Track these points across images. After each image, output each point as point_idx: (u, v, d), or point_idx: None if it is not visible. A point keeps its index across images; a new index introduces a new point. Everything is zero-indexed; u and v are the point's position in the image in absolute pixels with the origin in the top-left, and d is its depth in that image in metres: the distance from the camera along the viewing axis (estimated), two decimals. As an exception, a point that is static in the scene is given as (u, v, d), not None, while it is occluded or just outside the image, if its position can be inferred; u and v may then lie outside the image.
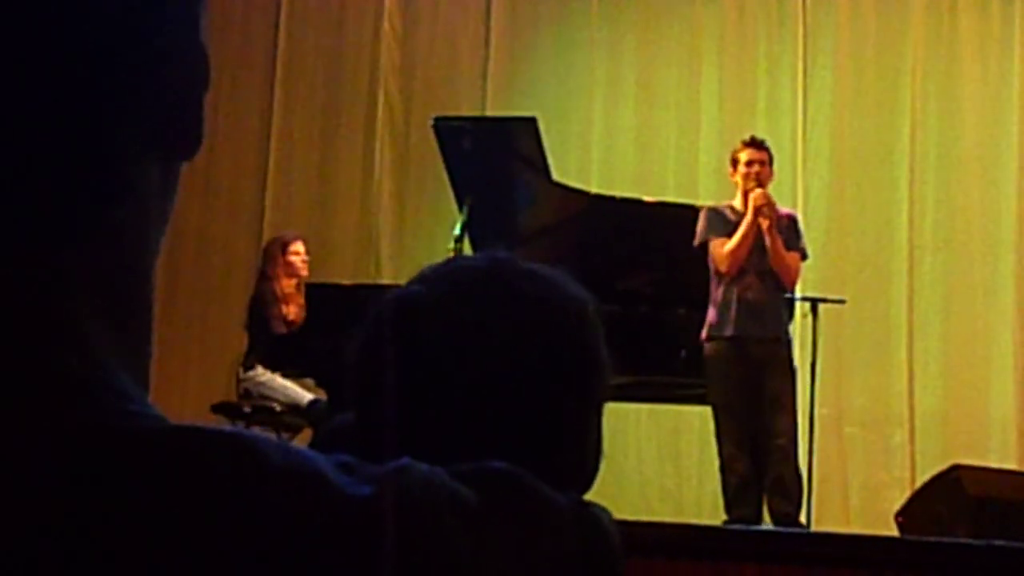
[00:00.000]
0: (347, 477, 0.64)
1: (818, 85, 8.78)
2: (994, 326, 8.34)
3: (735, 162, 6.34)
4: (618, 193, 7.13)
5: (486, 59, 9.14)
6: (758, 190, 6.18)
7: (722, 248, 6.13)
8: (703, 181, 8.67)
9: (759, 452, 6.05)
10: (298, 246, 7.21)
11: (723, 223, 6.22)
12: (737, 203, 6.30)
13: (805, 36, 8.80)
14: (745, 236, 6.10)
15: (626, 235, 6.65)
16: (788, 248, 6.19)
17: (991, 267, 8.42)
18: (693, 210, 6.86)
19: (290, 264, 7.10)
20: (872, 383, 8.35)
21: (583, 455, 1.25)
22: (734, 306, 6.08)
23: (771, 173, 6.37)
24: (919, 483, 6.55)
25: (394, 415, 1.14)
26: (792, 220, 6.35)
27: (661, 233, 6.64)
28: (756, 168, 6.25)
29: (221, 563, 0.59)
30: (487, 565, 0.65)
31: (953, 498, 5.36)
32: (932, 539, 5.06)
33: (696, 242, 6.22)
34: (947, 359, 8.35)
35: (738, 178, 6.31)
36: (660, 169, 8.82)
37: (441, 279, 1.25)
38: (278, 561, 0.60)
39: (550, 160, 6.69)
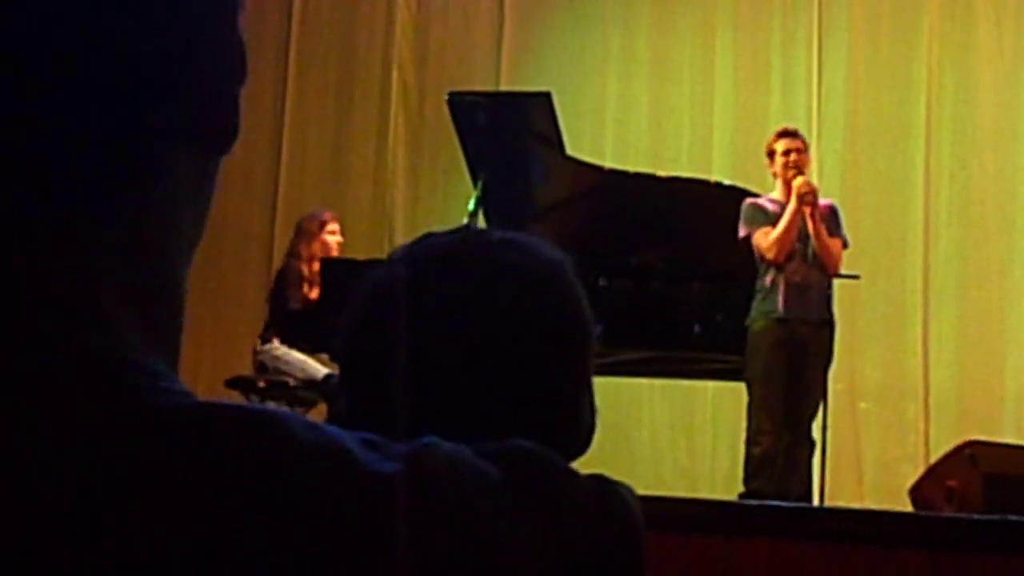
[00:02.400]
0: (373, 454, 0.65)
1: (833, 60, 8.75)
2: (1009, 301, 8.32)
3: (771, 153, 6.38)
4: (632, 168, 7.12)
5: (500, 34, 9.12)
6: (801, 178, 6.24)
7: (767, 237, 6.19)
8: (717, 156, 8.66)
9: (784, 431, 6.11)
10: (334, 225, 7.16)
11: (764, 215, 6.27)
12: (776, 194, 6.36)
13: (820, 10, 8.77)
14: (790, 223, 6.16)
15: (640, 210, 6.65)
16: (830, 234, 6.26)
17: (1006, 242, 8.40)
18: (707, 185, 6.87)
19: (326, 243, 7.05)
20: (887, 358, 8.34)
21: (577, 415, 1.26)
22: (782, 289, 6.15)
23: (808, 159, 6.46)
24: (933, 458, 6.54)
25: (387, 394, 1.15)
26: (832, 210, 6.40)
27: (675, 208, 6.64)
28: (794, 156, 6.31)
29: (247, 539, 0.60)
30: (511, 542, 0.66)
31: (967, 473, 5.35)
32: (946, 515, 5.06)
33: (740, 235, 6.27)
34: (962, 334, 8.33)
35: (777, 168, 6.35)
36: (674, 144, 8.80)
37: (417, 257, 1.26)
38: (304, 537, 0.61)
39: (564, 135, 6.68)
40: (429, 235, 1.31)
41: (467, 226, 1.30)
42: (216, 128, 0.74)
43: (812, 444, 6.19)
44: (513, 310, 1.22)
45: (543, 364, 1.22)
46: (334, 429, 0.66)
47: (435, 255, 1.26)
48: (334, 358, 6.52)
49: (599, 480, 0.74)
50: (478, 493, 0.66)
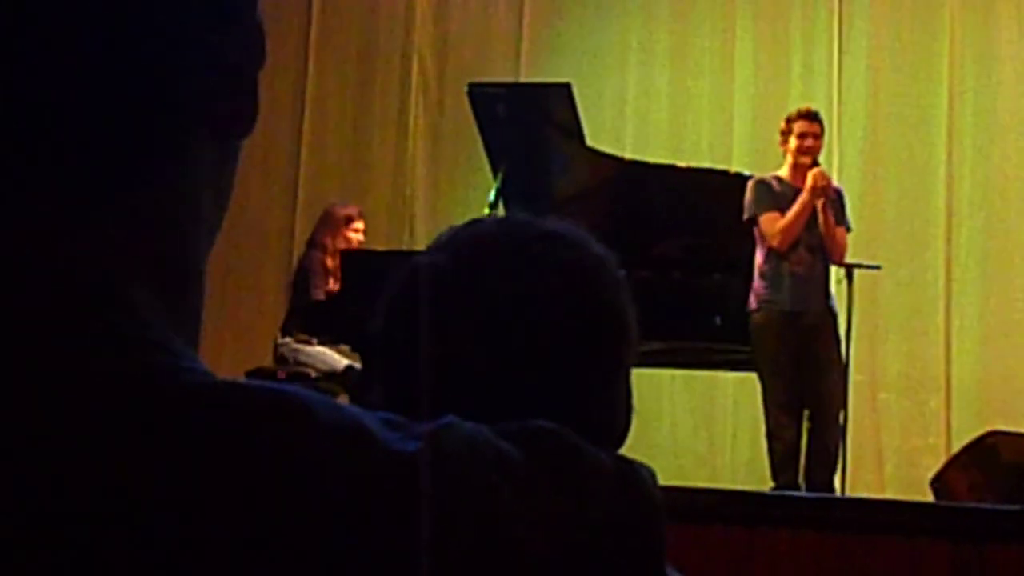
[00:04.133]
0: (393, 433, 0.65)
1: (853, 50, 8.72)
2: (1031, 292, 8.29)
3: (786, 132, 6.29)
4: (652, 159, 7.11)
5: (520, 25, 9.12)
6: (817, 169, 6.16)
7: (773, 224, 6.12)
8: (737, 147, 8.65)
9: (811, 417, 6.07)
10: (360, 223, 7.12)
11: (771, 195, 6.20)
12: (783, 173, 6.27)
13: (840, 1, 8.74)
14: (799, 214, 6.09)
15: (660, 201, 6.64)
16: (837, 222, 6.20)
17: (1028, 232, 8.37)
18: (727, 176, 6.84)
19: (348, 240, 7.02)
20: (908, 349, 8.32)
21: (613, 412, 1.25)
22: (786, 280, 6.09)
23: (821, 146, 6.35)
24: (954, 449, 6.53)
25: (422, 383, 1.15)
26: (839, 194, 6.33)
27: (695, 199, 6.63)
28: (809, 141, 6.22)
29: (267, 517, 0.60)
30: (532, 521, 0.66)
31: (989, 464, 5.34)
32: (967, 505, 5.05)
33: (745, 216, 6.20)
34: (984, 325, 8.30)
35: (790, 147, 6.26)
36: (694, 135, 8.79)
37: (461, 245, 1.26)
38: (324, 515, 0.61)
39: (584, 126, 6.68)
40: (475, 221, 1.31)
41: (513, 215, 1.29)
42: (236, 112, 0.74)
43: (840, 431, 6.11)
44: (554, 303, 1.21)
45: (581, 359, 1.22)
46: (354, 409, 0.66)
47: (479, 243, 1.25)
48: (355, 349, 6.56)
49: (619, 459, 0.74)
50: (498, 472, 0.66)
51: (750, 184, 6.27)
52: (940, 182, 8.48)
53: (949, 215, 8.44)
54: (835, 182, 6.60)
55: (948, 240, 8.41)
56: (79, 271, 0.66)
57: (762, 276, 6.13)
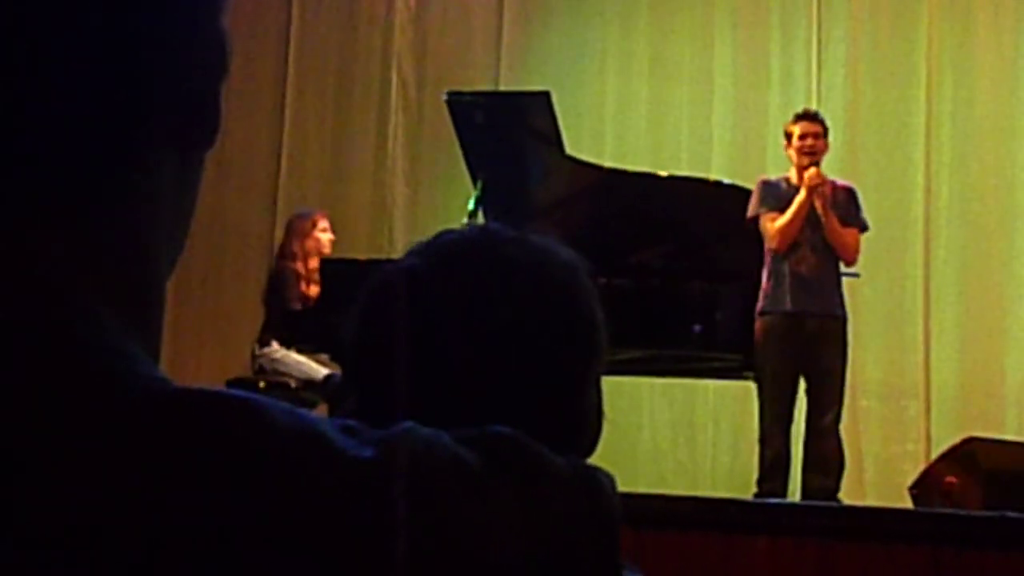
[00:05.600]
0: (350, 439, 0.65)
1: (832, 58, 8.75)
2: (1010, 298, 8.32)
3: (788, 136, 6.28)
4: (631, 167, 7.12)
5: (499, 33, 9.13)
6: (812, 169, 6.12)
7: (773, 224, 6.10)
8: (716, 155, 8.67)
9: (808, 425, 6.05)
10: (325, 223, 7.14)
11: (776, 197, 6.17)
12: (792, 175, 6.25)
13: (819, 8, 8.77)
14: (796, 214, 6.05)
15: (639, 209, 6.65)
16: (846, 222, 6.15)
17: (1007, 238, 8.40)
18: (706, 184, 6.86)
19: (319, 240, 7.04)
20: (887, 356, 8.34)
21: (583, 419, 1.26)
22: (788, 281, 6.05)
23: (826, 145, 6.30)
24: (934, 456, 6.55)
25: (395, 389, 1.15)
26: (850, 192, 6.29)
27: (674, 207, 6.64)
28: (810, 141, 6.19)
29: (222, 524, 0.60)
30: (488, 527, 0.66)
31: (967, 470, 5.36)
32: (946, 511, 5.07)
33: (748, 215, 6.17)
34: (963, 331, 8.33)
35: (792, 152, 6.25)
36: (673, 143, 8.80)
37: (434, 251, 1.26)
38: (279, 521, 0.61)
39: (564, 134, 6.68)
40: (447, 231, 1.31)
41: (485, 224, 1.30)
42: (200, 125, 0.74)
43: (838, 439, 6.06)
44: (524, 309, 1.22)
45: (551, 365, 1.23)
46: (311, 415, 0.66)
47: (450, 250, 1.26)
48: (335, 358, 6.55)
49: (578, 465, 0.74)
50: (455, 478, 0.66)
51: (757, 184, 6.27)
52: (918, 189, 8.51)
53: (927, 222, 8.47)
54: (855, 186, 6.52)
55: (927, 247, 8.45)
56: (39, 280, 0.66)
57: (768, 277, 6.11)
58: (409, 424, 0.68)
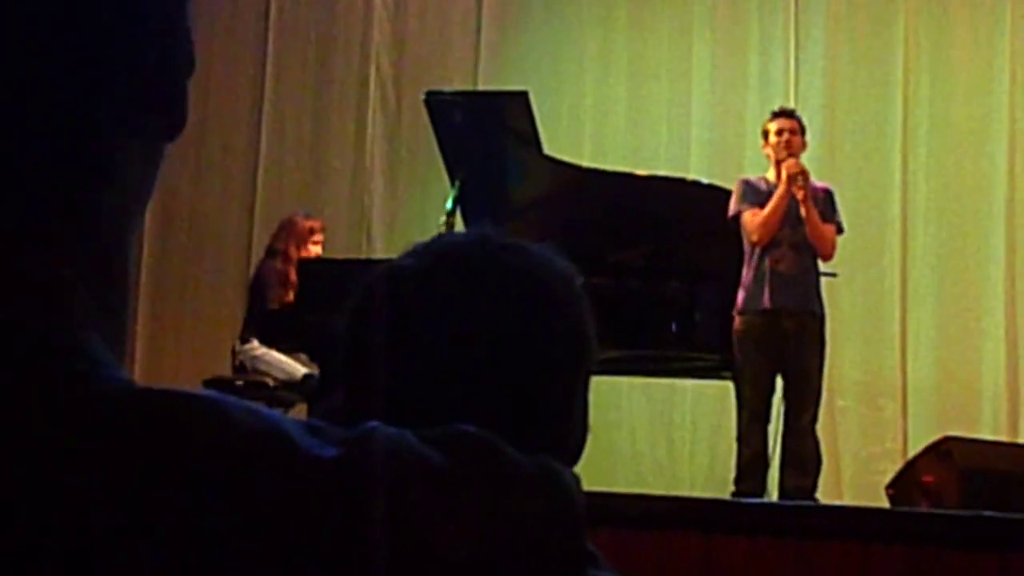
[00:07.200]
0: (313, 439, 0.65)
1: (809, 58, 8.77)
2: (986, 298, 8.35)
3: (765, 134, 6.29)
4: (610, 167, 7.12)
5: (478, 33, 9.12)
6: (791, 159, 6.12)
7: (754, 218, 6.09)
8: (695, 154, 8.68)
9: (785, 424, 6.04)
10: (320, 236, 7.09)
11: (756, 194, 6.16)
12: (771, 175, 6.23)
13: (796, 10, 8.79)
14: (777, 206, 6.04)
15: (618, 209, 6.65)
16: (824, 219, 6.14)
17: (983, 239, 8.43)
18: (685, 183, 6.86)
19: (310, 253, 6.99)
20: (864, 356, 8.37)
21: (570, 427, 1.26)
22: (767, 278, 6.04)
23: (803, 143, 6.30)
24: (910, 455, 6.56)
25: (383, 386, 1.15)
26: (828, 193, 6.29)
27: (653, 207, 6.64)
28: (786, 137, 6.20)
29: (184, 523, 0.60)
30: (452, 525, 0.66)
31: (943, 469, 5.38)
32: (922, 510, 5.08)
33: (730, 212, 6.17)
34: (939, 331, 8.36)
35: (769, 150, 6.25)
36: (652, 143, 8.81)
37: (431, 253, 1.26)
38: (241, 522, 0.61)
39: (542, 134, 6.68)
40: (448, 234, 1.31)
41: (483, 230, 1.29)
42: (165, 118, 0.74)
43: (815, 438, 6.05)
44: (517, 314, 1.22)
45: (541, 371, 1.22)
46: (275, 414, 0.66)
47: (447, 253, 1.26)
48: (313, 358, 6.54)
49: (543, 464, 0.74)
50: (419, 476, 0.66)
51: (736, 183, 6.27)
52: (896, 189, 8.54)
53: (904, 222, 8.50)
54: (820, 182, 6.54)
55: (904, 247, 8.47)
56: (10, 277, 0.66)
57: (745, 277, 6.10)
58: (374, 424, 0.68)
